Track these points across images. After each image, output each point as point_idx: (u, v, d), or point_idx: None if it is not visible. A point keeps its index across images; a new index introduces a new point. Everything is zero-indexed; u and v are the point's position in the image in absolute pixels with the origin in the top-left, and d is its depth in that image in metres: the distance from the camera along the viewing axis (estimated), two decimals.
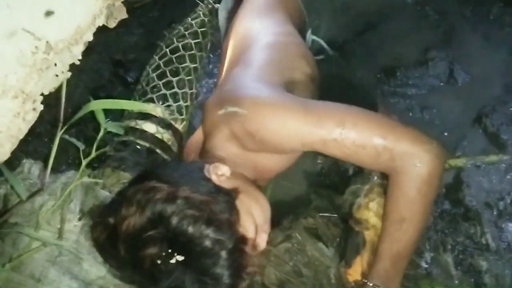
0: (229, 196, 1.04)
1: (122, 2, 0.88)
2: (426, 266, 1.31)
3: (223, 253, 0.93)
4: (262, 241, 1.07)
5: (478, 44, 1.90)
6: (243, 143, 1.13)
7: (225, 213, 0.99)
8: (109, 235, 0.98)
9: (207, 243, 0.92)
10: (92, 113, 1.18)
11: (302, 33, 1.44)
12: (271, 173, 1.22)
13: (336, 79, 1.54)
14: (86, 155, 1.19)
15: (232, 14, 1.55)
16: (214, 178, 1.06)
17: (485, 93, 1.78)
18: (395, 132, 1.05)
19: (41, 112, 0.85)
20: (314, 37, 1.48)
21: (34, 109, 0.78)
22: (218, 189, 1.04)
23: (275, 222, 1.30)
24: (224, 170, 1.07)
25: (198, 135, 1.36)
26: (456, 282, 1.30)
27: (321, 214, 1.34)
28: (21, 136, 0.78)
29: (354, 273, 1.24)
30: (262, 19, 1.35)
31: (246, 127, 1.08)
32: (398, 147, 1.03)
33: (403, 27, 1.96)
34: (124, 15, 0.88)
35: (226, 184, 1.06)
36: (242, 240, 1.00)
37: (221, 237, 0.94)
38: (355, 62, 1.90)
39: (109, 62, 1.90)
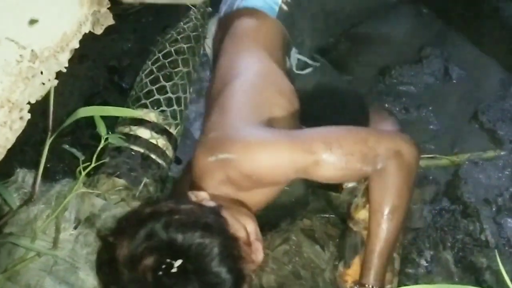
0: (213, 207, 1.07)
1: (108, 8, 0.87)
2: (426, 264, 1.31)
3: (215, 249, 0.94)
4: (258, 250, 1.08)
5: (473, 41, 1.89)
6: (239, 185, 1.16)
7: (211, 216, 1.01)
8: (110, 265, 0.99)
9: (198, 242, 0.94)
10: (87, 120, 1.17)
11: (287, 54, 1.47)
12: (261, 205, 1.25)
13: (326, 87, 1.56)
14: (82, 163, 1.18)
15: (215, 40, 1.57)
16: (194, 199, 1.11)
17: (481, 90, 1.78)
18: (373, 134, 1.14)
19: (36, 121, 0.84)
20: (299, 56, 1.50)
21: (21, 118, 0.78)
22: (201, 205, 1.08)
23: (273, 225, 1.30)
24: (203, 195, 1.12)
25: (183, 182, 1.37)
26: (457, 279, 1.29)
27: (319, 215, 1.34)
28: (9, 146, 0.78)
29: (353, 273, 1.24)
30: (240, 58, 1.36)
31: (241, 171, 1.11)
32: (381, 145, 1.11)
33: (398, 26, 1.96)
34: (110, 21, 0.87)
35: (207, 204, 1.10)
36: (233, 237, 1.01)
37: (210, 234, 0.96)
38: (352, 64, 1.91)
39: (104, 68, 1.91)
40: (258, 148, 1.11)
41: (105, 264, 1.02)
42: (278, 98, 1.30)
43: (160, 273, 0.91)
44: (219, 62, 1.41)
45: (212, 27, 1.59)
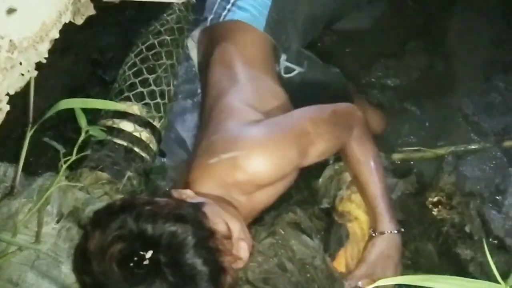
0: (194, 203, 1.06)
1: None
2: (410, 256, 1.31)
3: (189, 240, 0.93)
4: (243, 250, 1.07)
5: (458, 33, 1.90)
6: (242, 188, 1.16)
7: (188, 209, 1.01)
8: (82, 257, 0.98)
9: (169, 231, 0.93)
10: (70, 114, 1.16)
11: (276, 61, 1.49)
12: (263, 206, 1.27)
13: (313, 84, 1.56)
14: (65, 156, 1.16)
15: (200, 49, 1.57)
16: (176, 196, 1.10)
17: (465, 82, 1.79)
18: (335, 107, 1.29)
19: (18, 114, 0.83)
20: (287, 63, 1.52)
21: (0, 109, 0.76)
22: (180, 200, 1.08)
23: (257, 219, 1.30)
24: (188, 193, 1.11)
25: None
26: (441, 270, 1.30)
27: (303, 208, 1.34)
28: None
29: (338, 265, 1.24)
30: (231, 70, 1.38)
31: (245, 168, 1.12)
32: (344, 113, 1.30)
33: (382, 19, 1.96)
34: (91, 11, 0.86)
35: (190, 201, 1.09)
36: (210, 230, 0.99)
37: (183, 225, 0.95)
38: (337, 57, 1.91)
39: (87, 61, 1.88)
40: (261, 141, 1.15)
41: (78, 256, 1.01)
42: (273, 101, 1.34)
43: (131, 264, 0.90)
44: (210, 74, 1.42)
45: (196, 33, 1.57)
